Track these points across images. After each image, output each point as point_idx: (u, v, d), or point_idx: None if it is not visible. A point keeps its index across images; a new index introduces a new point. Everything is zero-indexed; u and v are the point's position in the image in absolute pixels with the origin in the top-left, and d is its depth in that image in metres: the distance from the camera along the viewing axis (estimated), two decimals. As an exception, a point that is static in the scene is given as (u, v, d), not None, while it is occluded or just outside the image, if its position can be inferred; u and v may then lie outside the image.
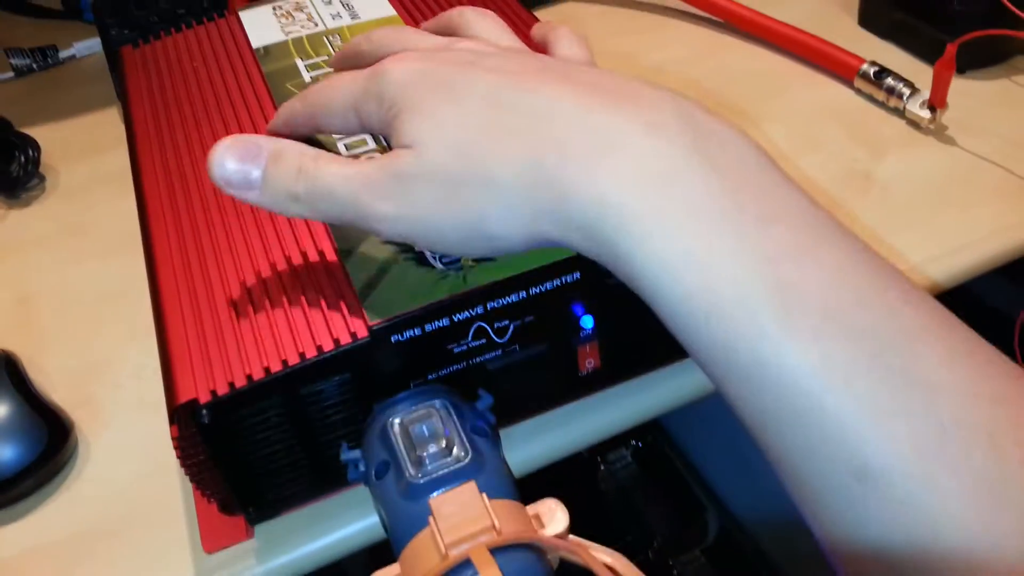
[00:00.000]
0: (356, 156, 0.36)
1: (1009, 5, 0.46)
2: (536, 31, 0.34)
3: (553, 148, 0.24)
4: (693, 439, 0.85)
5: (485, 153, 0.25)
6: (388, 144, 0.29)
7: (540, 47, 0.32)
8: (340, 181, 0.26)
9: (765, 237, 0.22)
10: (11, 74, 0.63)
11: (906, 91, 0.48)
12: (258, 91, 0.41)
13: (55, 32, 0.66)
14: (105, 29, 0.53)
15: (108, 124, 0.56)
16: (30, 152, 0.51)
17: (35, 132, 0.53)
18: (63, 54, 0.64)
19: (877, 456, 0.20)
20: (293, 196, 0.27)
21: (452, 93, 0.26)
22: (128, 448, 0.37)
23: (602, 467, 0.86)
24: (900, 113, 0.49)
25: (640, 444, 0.86)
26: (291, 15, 0.47)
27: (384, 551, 0.28)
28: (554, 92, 0.25)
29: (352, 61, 0.33)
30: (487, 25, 0.32)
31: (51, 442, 0.35)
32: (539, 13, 0.52)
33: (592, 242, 0.24)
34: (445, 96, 0.26)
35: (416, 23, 0.46)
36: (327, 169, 0.27)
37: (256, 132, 0.38)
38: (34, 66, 0.63)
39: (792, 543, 0.74)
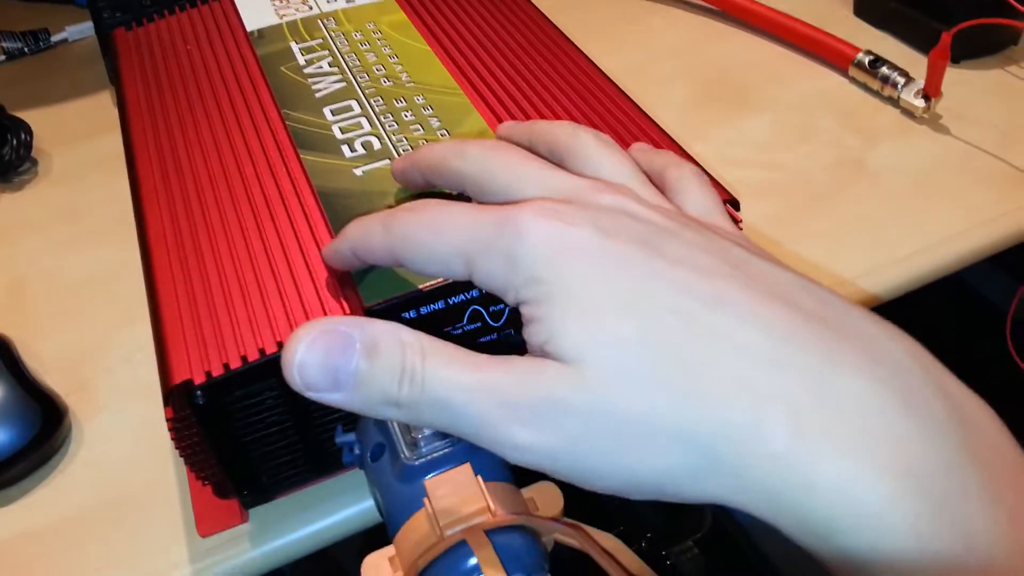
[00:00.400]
0: (353, 141, 0.36)
1: (1004, -6, 0.46)
2: (649, 162, 0.26)
3: (779, 410, 0.18)
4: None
5: (682, 399, 0.19)
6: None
7: (650, 176, 0.25)
8: (461, 393, 0.20)
9: None
10: (2, 57, 0.62)
11: (900, 80, 0.48)
12: (252, 74, 0.41)
13: (47, 15, 0.65)
14: (97, 12, 0.53)
15: (101, 108, 0.56)
16: (22, 136, 0.51)
17: (27, 116, 0.52)
18: (55, 37, 0.63)
19: None
20: (393, 402, 0.21)
21: (628, 293, 0.20)
22: (122, 432, 0.37)
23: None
24: (894, 102, 0.49)
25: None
26: (286, -1, 0.47)
27: (378, 536, 0.28)
28: (768, 317, 0.19)
29: (436, 177, 0.27)
30: (617, 163, 0.25)
31: (45, 425, 0.35)
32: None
33: (812, 537, 0.19)
34: (619, 295, 0.20)
35: (415, 8, 0.45)
36: (441, 374, 0.21)
37: (251, 118, 0.38)
38: (25, 49, 0.63)
39: (784, 535, 0.75)
